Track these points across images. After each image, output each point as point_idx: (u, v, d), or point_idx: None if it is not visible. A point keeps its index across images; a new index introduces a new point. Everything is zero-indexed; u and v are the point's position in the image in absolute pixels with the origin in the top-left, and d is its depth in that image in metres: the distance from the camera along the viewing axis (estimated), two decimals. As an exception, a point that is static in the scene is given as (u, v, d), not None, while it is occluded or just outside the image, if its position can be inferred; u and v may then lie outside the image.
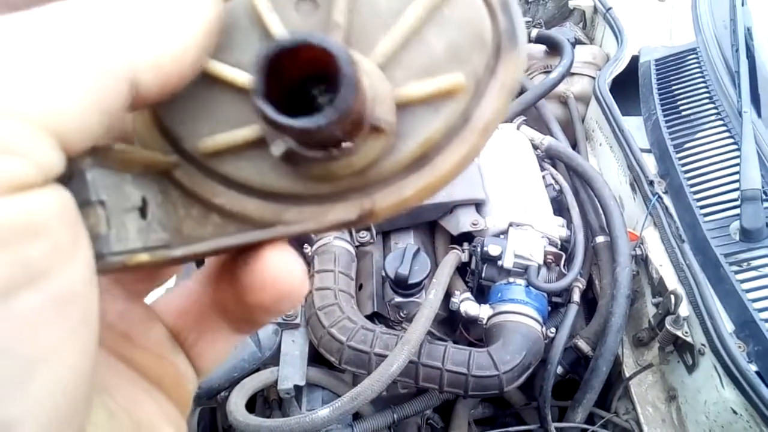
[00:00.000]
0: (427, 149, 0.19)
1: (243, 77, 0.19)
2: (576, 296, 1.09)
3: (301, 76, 0.18)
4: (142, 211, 0.19)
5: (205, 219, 0.21)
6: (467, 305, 1.08)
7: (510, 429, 1.10)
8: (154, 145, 0.21)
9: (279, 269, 0.20)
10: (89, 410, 0.17)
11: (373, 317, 1.11)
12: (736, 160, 1.11)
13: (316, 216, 0.20)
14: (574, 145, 1.43)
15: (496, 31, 0.20)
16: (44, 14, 0.15)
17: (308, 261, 1.13)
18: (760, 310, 0.93)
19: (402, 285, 1.08)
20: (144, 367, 0.23)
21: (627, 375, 1.08)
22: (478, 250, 1.10)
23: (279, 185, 0.20)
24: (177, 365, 0.24)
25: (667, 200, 1.14)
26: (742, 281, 0.97)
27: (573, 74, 1.52)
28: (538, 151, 1.33)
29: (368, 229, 1.17)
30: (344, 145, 0.18)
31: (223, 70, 0.20)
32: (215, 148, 0.20)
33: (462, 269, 1.19)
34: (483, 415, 1.20)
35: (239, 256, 0.21)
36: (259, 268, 0.20)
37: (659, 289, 1.05)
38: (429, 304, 0.98)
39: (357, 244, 1.16)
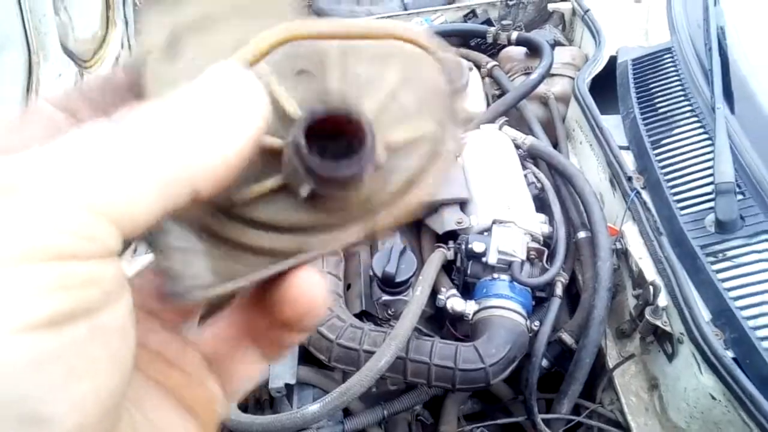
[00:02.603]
0: (411, 179, 0.24)
1: (269, 140, 0.23)
2: (558, 290, 1.11)
3: (327, 134, 0.23)
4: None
5: (239, 257, 0.24)
6: (453, 301, 1.10)
7: (498, 421, 1.12)
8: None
9: (304, 286, 0.24)
10: (117, 422, 0.21)
11: (361, 316, 1.13)
12: (711, 155, 1.14)
13: (333, 241, 0.24)
14: (556, 145, 1.47)
15: (448, 83, 0.26)
16: (124, 126, 0.20)
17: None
18: (735, 299, 0.96)
19: (389, 283, 1.10)
20: (177, 388, 0.26)
21: (610, 366, 1.11)
22: (463, 247, 1.13)
23: (301, 220, 0.24)
24: (208, 388, 0.27)
25: (645, 195, 1.17)
26: (718, 271, 1.00)
27: (553, 75, 1.56)
28: (520, 150, 1.36)
29: (355, 230, 1.20)
30: (357, 183, 0.23)
31: None
32: (248, 198, 0.24)
33: (448, 267, 1.21)
34: (472, 410, 1.23)
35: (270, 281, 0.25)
36: (288, 287, 0.24)
37: (639, 281, 1.08)
38: (415, 301, 1.01)
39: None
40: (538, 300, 1.17)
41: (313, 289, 0.24)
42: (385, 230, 0.25)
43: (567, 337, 1.12)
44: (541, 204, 1.28)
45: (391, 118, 0.25)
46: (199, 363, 0.27)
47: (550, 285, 1.12)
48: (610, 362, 1.12)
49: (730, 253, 1.02)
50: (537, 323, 1.09)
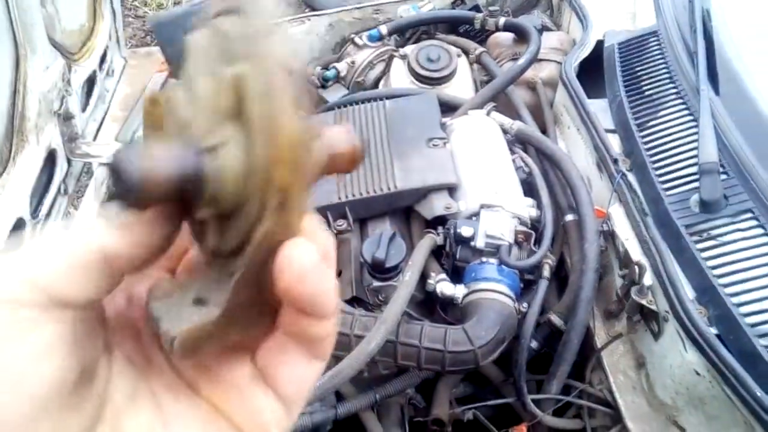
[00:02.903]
0: (268, 121, 0.24)
1: None
2: (546, 272, 1.13)
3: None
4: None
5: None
6: (443, 286, 1.12)
7: (488, 402, 1.14)
8: None
9: (287, 255, 0.24)
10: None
11: (352, 302, 1.14)
12: (695, 137, 1.15)
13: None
14: (544, 130, 1.47)
15: None
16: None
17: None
18: (719, 277, 0.97)
19: (379, 269, 1.11)
20: (220, 401, 0.28)
21: (599, 346, 1.13)
22: (452, 232, 1.14)
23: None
24: (253, 400, 0.28)
25: (631, 177, 1.18)
26: (702, 250, 1.01)
27: (541, 60, 1.56)
28: (508, 135, 1.37)
29: (345, 217, 1.20)
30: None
31: None
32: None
33: (438, 252, 1.22)
34: (464, 393, 1.24)
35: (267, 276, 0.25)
36: (276, 262, 0.24)
37: (625, 261, 1.09)
38: (404, 285, 1.02)
39: (335, 232, 1.19)
40: (526, 283, 1.18)
41: (297, 255, 0.24)
42: (295, 182, 0.23)
43: (556, 319, 1.13)
44: (529, 188, 1.29)
45: None
46: (249, 376, 0.28)
47: (537, 267, 1.14)
48: (599, 342, 1.14)
49: (714, 232, 1.04)
50: (525, 305, 1.10)
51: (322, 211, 1.19)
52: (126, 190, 0.23)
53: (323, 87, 1.70)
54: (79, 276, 0.24)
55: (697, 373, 0.94)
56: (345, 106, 1.44)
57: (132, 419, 0.26)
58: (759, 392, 0.84)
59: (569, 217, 1.22)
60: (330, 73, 1.66)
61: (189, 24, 0.27)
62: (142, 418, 0.27)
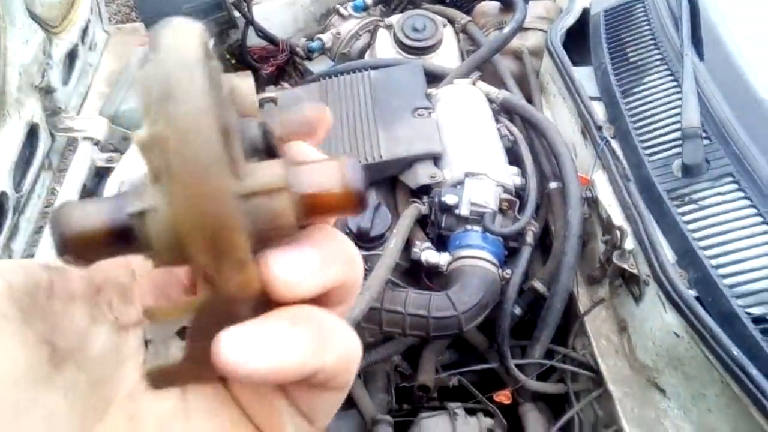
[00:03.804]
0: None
1: None
2: (529, 239, 1.14)
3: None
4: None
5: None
6: (428, 254, 1.12)
7: (473, 368, 1.16)
8: None
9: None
10: None
11: (337, 271, 1.14)
12: (679, 102, 1.15)
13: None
14: (530, 99, 1.47)
15: None
16: None
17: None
18: (699, 240, 0.98)
19: (364, 239, 1.12)
20: (246, 402, 0.26)
21: (582, 312, 1.14)
22: (436, 200, 1.14)
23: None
24: (280, 411, 0.26)
25: (615, 144, 1.18)
26: (683, 214, 1.02)
27: (527, 29, 1.55)
28: (494, 104, 1.36)
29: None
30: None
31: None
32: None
33: (423, 221, 1.23)
34: (450, 360, 1.26)
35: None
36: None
37: (608, 227, 1.10)
38: (388, 253, 1.03)
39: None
40: (511, 250, 1.19)
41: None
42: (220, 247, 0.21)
43: (539, 285, 1.14)
44: (514, 156, 1.29)
45: None
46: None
47: (521, 234, 1.15)
48: (582, 308, 1.15)
49: (695, 197, 1.04)
50: (509, 272, 1.11)
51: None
52: (60, 245, 0.22)
53: (308, 59, 1.68)
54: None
55: (677, 335, 0.96)
56: (329, 77, 1.43)
57: (152, 405, 0.24)
58: (735, 351, 0.85)
59: (553, 185, 1.23)
60: (315, 45, 1.64)
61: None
62: (165, 405, 0.24)
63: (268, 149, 0.24)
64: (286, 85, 1.65)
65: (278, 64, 1.76)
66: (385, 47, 1.57)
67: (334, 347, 0.23)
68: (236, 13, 1.71)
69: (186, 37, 0.21)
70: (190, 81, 0.20)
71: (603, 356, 1.11)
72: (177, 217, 0.20)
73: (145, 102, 0.21)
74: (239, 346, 0.21)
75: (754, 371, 0.84)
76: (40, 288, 0.24)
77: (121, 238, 0.22)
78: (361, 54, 1.66)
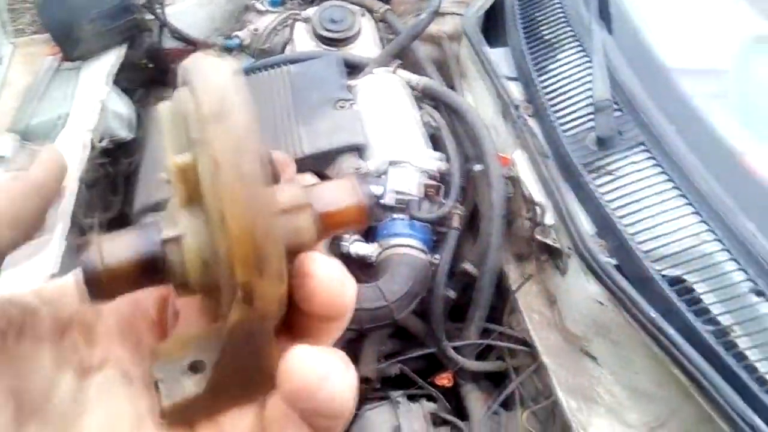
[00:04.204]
0: (219, 215, 0.23)
1: None
2: (455, 222, 1.14)
3: None
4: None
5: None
6: (357, 246, 1.12)
7: (412, 355, 1.16)
8: None
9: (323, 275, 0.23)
10: None
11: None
12: (590, 77, 1.18)
13: None
14: (452, 84, 1.48)
15: None
16: None
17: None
18: (616, 209, 1.01)
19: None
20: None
21: (513, 289, 1.16)
22: (360, 192, 1.13)
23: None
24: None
25: (532, 122, 1.20)
26: (599, 186, 1.05)
27: (444, 14, 1.56)
28: (415, 91, 1.36)
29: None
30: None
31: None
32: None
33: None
34: (392, 349, 1.26)
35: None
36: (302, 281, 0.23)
37: (529, 204, 1.12)
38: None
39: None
40: (441, 235, 1.20)
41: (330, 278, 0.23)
42: (259, 277, 0.22)
43: (470, 267, 1.15)
44: (438, 142, 1.29)
45: None
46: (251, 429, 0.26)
47: (447, 218, 1.15)
48: (513, 285, 1.17)
49: (610, 167, 1.07)
50: (437, 257, 1.11)
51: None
52: (91, 283, 0.22)
53: (228, 58, 1.64)
54: None
55: (601, 303, 0.98)
56: (247, 74, 1.40)
57: None
58: (653, 314, 0.88)
59: (477, 167, 1.24)
60: (232, 43, 1.61)
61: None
62: None
63: (273, 175, 0.25)
64: (207, 86, 1.61)
65: (198, 66, 1.70)
66: (303, 41, 1.55)
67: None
68: (149, 16, 1.65)
69: (222, 67, 0.23)
70: (237, 105, 0.22)
71: (536, 330, 1.13)
72: (218, 235, 0.21)
73: (186, 127, 0.23)
74: (318, 367, 0.21)
75: (671, 331, 0.87)
76: (11, 328, 0.23)
77: (150, 270, 0.23)
78: (282, 49, 1.63)
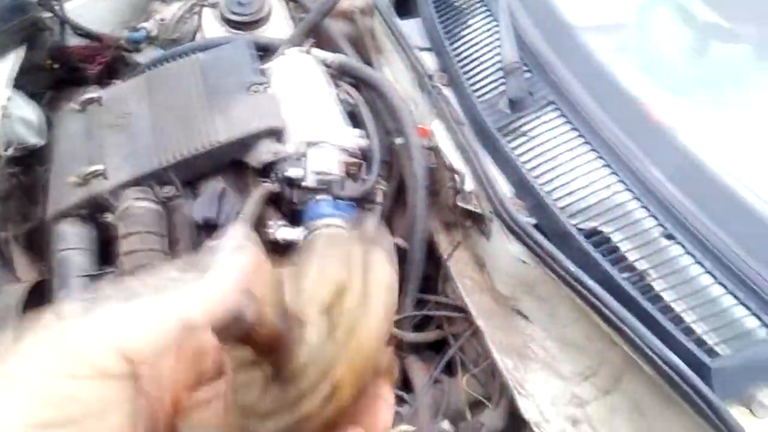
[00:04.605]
0: (350, 327, 0.30)
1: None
2: (378, 197, 1.14)
3: None
4: None
5: None
6: (282, 232, 1.10)
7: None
8: None
9: None
10: None
11: (193, 267, 1.10)
12: (499, 41, 1.19)
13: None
14: (369, 60, 1.47)
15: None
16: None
17: (112, 229, 1.09)
18: (531, 169, 1.03)
19: (214, 229, 1.08)
20: None
21: (444, 258, 1.17)
22: (280, 176, 1.12)
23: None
24: None
25: (447, 91, 1.21)
26: (514, 148, 1.06)
27: (354, -11, 1.53)
28: (331, 69, 1.34)
29: (171, 183, 1.14)
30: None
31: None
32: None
33: (279, 201, 1.20)
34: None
35: None
36: None
37: (450, 172, 1.12)
38: (235, 239, 0.99)
39: (163, 200, 1.13)
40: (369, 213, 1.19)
41: None
42: (350, 384, 0.29)
43: (399, 240, 1.16)
44: (357, 119, 1.28)
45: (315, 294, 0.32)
46: None
47: (371, 194, 1.15)
48: (444, 254, 1.18)
49: (523, 129, 1.09)
50: (365, 234, 1.11)
51: (143, 180, 1.12)
52: (238, 329, 0.28)
53: (136, 51, 1.58)
54: (151, 336, 0.26)
55: (524, 262, 1.00)
56: (155, 66, 1.35)
57: None
58: (572, 267, 0.90)
59: (397, 141, 1.23)
60: (138, 35, 1.54)
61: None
62: None
63: None
64: (118, 82, 1.54)
65: (105, 62, 1.63)
66: (213, 27, 1.50)
67: None
68: (47, 13, 1.56)
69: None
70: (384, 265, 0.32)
71: (469, 295, 1.14)
72: (334, 345, 0.29)
73: (337, 254, 0.33)
74: None
75: (590, 282, 0.89)
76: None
77: (276, 340, 0.30)
78: (192, 38, 1.58)
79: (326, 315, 0.30)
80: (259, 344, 0.29)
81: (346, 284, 0.30)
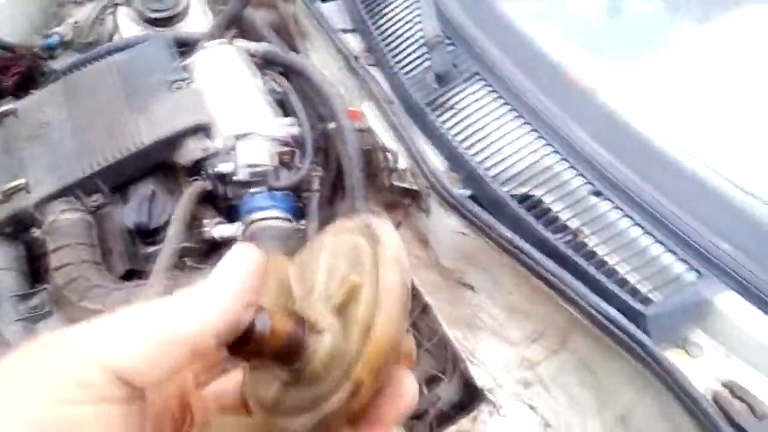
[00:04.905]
0: (365, 326, 0.29)
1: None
2: (315, 185, 1.13)
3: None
4: None
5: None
6: (219, 229, 1.08)
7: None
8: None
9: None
10: None
11: (130, 276, 1.07)
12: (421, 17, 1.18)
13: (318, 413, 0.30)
14: (295, 47, 1.44)
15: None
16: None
17: (40, 244, 1.05)
18: (462, 141, 1.03)
19: (147, 233, 1.05)
20: None
21: (387, 238, 1.17)
22: (211, 173, 1.09)
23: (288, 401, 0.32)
24: None
25: (375, 72, 1.20)
26: (444, 122, 1.07)
27: (273, -24, 1.50)
28: (256, 59, 1.32)
29: (98, 191, 1.10)
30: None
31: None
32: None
33: (214, 198, 1.17)
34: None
35: None
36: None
37: (384, 152, 1.12)
38: (168, 242, 0.97)
39: (91, 209, 1.09)
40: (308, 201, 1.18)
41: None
42: (370, 380, 0.28)
43: (340, 226, 1.15)
44: (288, 107, 1.26)
45: (329, 291, 0.31)
46: None
47: (307, 182, 1.13)
48: (387, 235, 1.18)
49: (451, 102, 1.09)
50: (304, 222, 1.10)
51: (69, 191, 1.08)
52: (252, 342, 0.29)
53: (52, 58, 1.51)
54: (154, 362, 0.26)
55: (463, 233, 1.01)
56: (71, 71, 1.29)
57: None
58: (509, 234, 0.92)
59: (331, 126, 1.22)
60: (52, 41, 1.47)
61: None
62: None
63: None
64: (35, 92, 1.47)
65: (21, 72, 1.55)
66: (129, 27, 1.45)
67: None
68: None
69: (395, 233, 0.32)
70: (406, 258, 0.31)
71: (416, 273, 1.15)
72: (353, 339, 0.29)
73: (355, 258, 0.31)
74: None
75: (527, 246, 0.90)
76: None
77: (290, 347, 0.30)
78: (109, 39, 1.52)
79: (340, 315, 0.30)
80: (272, 353, 0.29)
81: (358, 282, 0.30)
